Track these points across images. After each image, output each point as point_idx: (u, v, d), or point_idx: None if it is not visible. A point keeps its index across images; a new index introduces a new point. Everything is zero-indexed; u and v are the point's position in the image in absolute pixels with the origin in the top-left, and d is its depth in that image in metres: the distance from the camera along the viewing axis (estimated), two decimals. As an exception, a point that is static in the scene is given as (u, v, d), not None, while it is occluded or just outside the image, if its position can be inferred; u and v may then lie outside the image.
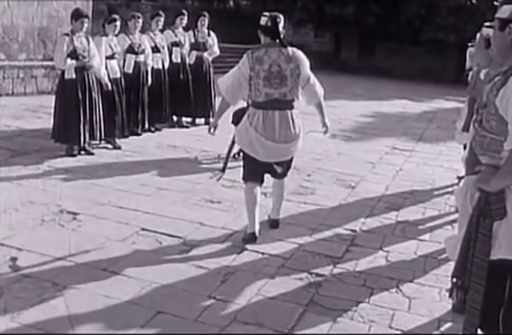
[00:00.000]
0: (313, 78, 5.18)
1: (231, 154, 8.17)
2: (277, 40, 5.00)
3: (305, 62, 5.09)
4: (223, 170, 6.20)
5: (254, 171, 5.23)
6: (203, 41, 10.41)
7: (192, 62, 10.37)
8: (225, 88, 5.07)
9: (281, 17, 5.09)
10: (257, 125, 4.94)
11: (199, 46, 10.38)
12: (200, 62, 10.42)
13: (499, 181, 2.87)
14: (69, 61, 7.37)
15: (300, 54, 5.07)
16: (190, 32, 10.33)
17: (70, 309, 3.76)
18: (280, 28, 5.03)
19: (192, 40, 10.32)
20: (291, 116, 5.06)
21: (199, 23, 10.33)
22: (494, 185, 2.89)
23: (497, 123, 2.91)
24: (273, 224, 5.61)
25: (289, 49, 5.02)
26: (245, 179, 5.29)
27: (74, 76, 7.41)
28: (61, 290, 4.01)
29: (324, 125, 5.58)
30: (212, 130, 5.41)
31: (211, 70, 10.67)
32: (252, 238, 5.17)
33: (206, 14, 10.46)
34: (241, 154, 5.76)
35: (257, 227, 5.23)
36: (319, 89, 5.28)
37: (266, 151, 4.99)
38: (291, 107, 5.07)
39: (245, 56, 4.96)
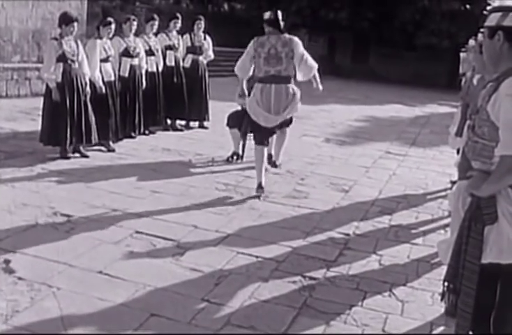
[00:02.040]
0: (306, 56, 6.50)
1: (230, 154, 8.23)
2: (277, 29, 6.42)
3: (299, 45, 6.45)
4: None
5: (261, 135, 6.71)
6: (199, 45, 10.43)
7: (188, 65, 10.38)
8: (237, 66, 6.72)
9: (279, 12, 6.52)
10: (258, 99, 6.42)
11: (195, 50, 10.40)
12: (196, 65, 10.43)
13: (489, 186, 2.89)
14: (52, 69, 7.37)
15: (295, 39, 6.46)
16: (187, 35, 10.34)
17: (63, 311, 3.76)
18: (280, 20, 6.46)
19: (189, 44, 10.33)
20: (286, 88, 6.42)
21: (195, 26, 10.34)
22: (485, 190, 2.91)
23: (489, 129, 2.93)
24: (273, 165, 7.39)
25: (286, 36, 6.45)
26: (256, 142, 6.76)
27: (60, 79, 7.40)
28: (55, 293, 4.00)
29: (317, 88, 6.97)
30: (242, 99, 7.09)
31: (207, 74, 10.68)
32: (260, 187, 6.60)
33: (203, 17, 10.48)
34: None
35: (263, 179, 6.68)
36: (313, 64, 6.61)
37: (265, 119, 6.48)
38: (286, 82, 6.44)
39: (252, 41, 6.50)
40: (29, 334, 3.47)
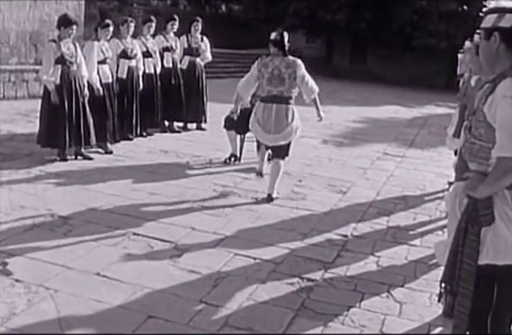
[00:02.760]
0: (308, 78, 6.56)
1: (227, 156, 8.22)
2: (282, 50, 6.49)
3: (302, 68, 6.52)
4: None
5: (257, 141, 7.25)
6: (196, 46, 10.43)
7: (185, 67, 10.39)
8: (240, 85, 6.75)
9: (286, 33, 6.57)
10: (259, 117, 6.55)
11: (192, 51, 10.40)
12: (193, 67, 10.44)
13: (486, 187, 2.89)
14: (50, 71, 7.36)
15: (298, 61, 6.52)
16: (184, 37, 10.35)
17: (61, 314, 3.76)
18: (285, 42, 6.52)
19: (186, 45, 10.33)
20: (286, 109, 6.50)
21: (192, 28, 10.35)
22: (482, 192, 2.91)
23: (486, 131, 2.93)
24: (268, 198, 6.66)
25: (290, 57, 6.52)
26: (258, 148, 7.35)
27: (58, 81, 7.39)
28: (52, 295, 4.00)
29: (319, 115, 7.11)
30: (234, 115, 7.17)
31: (204, 76, 10.68)
32: (259, 173, 7.07)
33: (200, 19, 10.49)
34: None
35: (265, 167, 7.15)
36: (314, 87, 6.67)
37: (263, 137, 6.64)
38: (287, 103, 6.51)
39: (256, 62, 6.61)
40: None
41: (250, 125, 6.73)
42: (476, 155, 2.99)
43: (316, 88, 6.70)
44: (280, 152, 6.73)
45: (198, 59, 10.49)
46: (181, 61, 10.38)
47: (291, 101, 6.54)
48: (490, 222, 2.92)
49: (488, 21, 2.98)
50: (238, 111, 7.09)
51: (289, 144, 6.72)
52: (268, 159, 7.51)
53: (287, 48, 6.53)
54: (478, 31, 3.21)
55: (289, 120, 6.50)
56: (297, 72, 6.46)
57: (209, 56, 10.70)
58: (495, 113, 2.84)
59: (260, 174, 7.08)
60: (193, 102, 10.39)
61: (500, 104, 2.82)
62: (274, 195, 6.66)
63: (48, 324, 3.63)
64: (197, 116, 10.54)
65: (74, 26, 7.45)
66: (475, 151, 3.00)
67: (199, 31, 10.41)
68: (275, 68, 6.45)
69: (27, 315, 3.71)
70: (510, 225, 2.90)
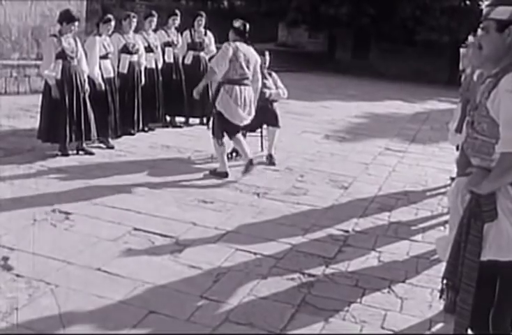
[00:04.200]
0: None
1: (229, 151, 8.22)
2: (244, 39, 7.21)
3: (257, 55, 7.38)
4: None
5: (226, 130, 7.23)
6: (199, 41, 10.40)
7: (189, 62, 10.35)
8: (217, 63, 7.08)
9: (248, 25, 7.25)
10: (238, 100, 7.02)
11: (195, 46, 10.37)
12: (197, 62, 10.41)
13: (490, 183, 2.87)
14: (51, 66, 7.35)
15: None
16: (187, 32, 10.31)
17: (62, 309, 3.76)
18: (247, 32, 7.26)
19: (189, 40, 10.30)
20: (249, 90, 7.23)
21: (195, 23, 10.32)
22: (485, 187, 2.89)
23: (488, 126, 2.91)
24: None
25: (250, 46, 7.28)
26: (214, 135, 7.27)
27: (59, 76, 7.38)
28: (53, 290, 4.00)
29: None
30: (195, 93, 7.62)
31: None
32: (222, 174, 7.25)
33: (203, 14, 10.45)
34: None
35: (227, 167, 7.34)
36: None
37: (242, 118, 7.14)
38: (249, 85, 7.24)
39: (227, 45, 7.07)
40: (28, 333, 3.47)
41: (219, 107, 7.07)
42: (479, 150, 2.97)
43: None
44: (251, 126, 7.68)
45: (202, 53, 10.45)
46: (184, 57, 10.36)
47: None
48: (493, 218, 2.91)
49: (503, 13, 2.87)
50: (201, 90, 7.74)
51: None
52: (228, 158, 7.87)
53: (247, 37, 7.28)
54: (481, 24, 3.13)
55: (252, 100, 7.29)
56: (257, 59, 7.30)
57: (214, 50, 10.63)
58: (498, 108, 2.82)
59: (226, 175, 7.26)
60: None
61: (503, 99, 2.80)
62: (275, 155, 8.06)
63: (49, 320, 3.63)
64: (200, 111, 10.50)
65: (76, 23, 7.44)
66: (477, 146, 2.98)
67: (203, 25, 10.39)
68: (245, 53, 7.12)
69: (28, 310, 3.71)
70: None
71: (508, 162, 2.79)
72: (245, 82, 7.13)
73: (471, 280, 2.99)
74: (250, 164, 7.20)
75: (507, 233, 2.89)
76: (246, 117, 7.20)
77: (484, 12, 2.99)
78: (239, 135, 7.35)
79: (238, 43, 7.13)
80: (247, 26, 7.25)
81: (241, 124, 7.25)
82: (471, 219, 2.98)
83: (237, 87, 7.03)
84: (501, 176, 2.84)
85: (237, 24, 7.25)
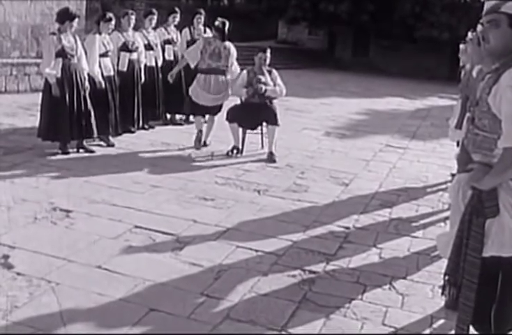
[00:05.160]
0: (235, 59, 8.54)
1: (230, 148, 8.22)
2: (221, 36, 8.30)
3: (234, 51, 8.46)
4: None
5: (195, 110, 8.63)
6: (199, 38, 10.36)
7: None
8: (189, 54, 8.66)
9: (227, 23, 8.36)
10: (201, 85, 8.31)
11: (194, 43, 10.33)
12: None
13: (492, 179, 2.87)
14: (52, 64, 7.34)
15: (232, 46, 8.45)
16: (186, 29, 10.28)
17: (62, 307, 3.75)
18: (225, 29, 8.32)
19: (189, 38, 10.26)
20: (222, 79, 8.38)
21: (195, 20, 10.28)
22: (488, 183, 2.88)
23: (490, 121, 2.90)
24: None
25: (226, 42, 8.37)
26: (190, 113, 9.38)
27: (59, 75, 7.37)
28: (53, 288, 4.00)
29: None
30: (170, 78, 9.00)
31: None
32: (235, 150, 8.38)
33: (203, 11, 10.43)
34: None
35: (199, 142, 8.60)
36: (238, 69, 8.65)
37: (205, 98, 8.33)
38: (223, 74, 8.39)
39: (202, 39, 8.55)
40: (29, 332, 3.46)
41: (190, 92, 8.47)
42: (480, 146, 2.96)
43: (238, 69, 8.67)
44: (216, 110, 8.59)
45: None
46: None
47: (226, 73, 8.42)
48: (495, 214, 2.90)
49: None
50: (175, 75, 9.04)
51: (221, 105, 8.63)
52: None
53: (225, 35, 8.35)
54: (481, 20, 3.09)
55: (225, 86, 8.39)
56: (231, 53, 8.36)
57: None
58: (500, 103, 2.81)
59: (201, 143, 8.62)
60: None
61: (505, 94, 2.78)
62: (208, 142, 8.79)
63: (50, 318, 3.63)
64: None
65: (76, 20, 7.42)
66: (478, 142, 2.97)
67: (202, 23, 10.36)
68: (215, 47, 8.28)
69: (29, 309, 3.71)
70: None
71: (510, 157, 2.78)
72: (213, 71, 8.31)
73: (474, 277, 2.98)
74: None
75: (509, 228, 2.89)
76: (208, 97, 8.29)
77: (489, 5, 2.91)
78: (208, 118, 8.78)
79: (212, 39, 8.41)
80: (227, 24, 8.32)
81: (206, 103, 8.35)
82: (472, 215, 2.97)
83: (203, 75, 8.33)
84: (504, 172, 2.83)
85: (217, 22, 8.36)
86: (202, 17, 10.33)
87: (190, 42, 10.25)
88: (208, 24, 10.60)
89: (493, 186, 2.89)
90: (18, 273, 4.17)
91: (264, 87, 8.04)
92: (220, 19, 8.41)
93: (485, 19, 2.94)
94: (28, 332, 3.44)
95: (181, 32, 10.29)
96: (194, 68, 8.67)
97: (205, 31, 10.43)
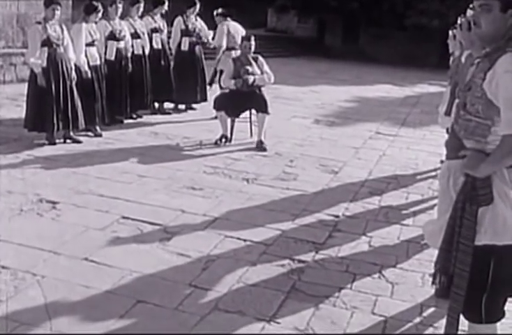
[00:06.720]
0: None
1: (218, 137, 8.16)
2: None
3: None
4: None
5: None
6: (194, 27, 10.28)
7: (186, 48, 10.21)
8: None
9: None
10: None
11: (189, 32, 10.23)
12: (193, 48, 10.29)
13: (489, 166, 2.82)
14: (37, 54, 7.24)
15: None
16: (179, 18, 10.17)
17: (48, 300, 3.71)
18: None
19: (183, 27, 10.15)
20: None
21: (191, 10, 10.18)
22: (484, 170, 2.83)
23: (483, 107, 2.84)
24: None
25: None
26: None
27: (45, 64, 7.28)
28: (39, 281, 3.95)
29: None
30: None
31: (203, 56, 10.54)
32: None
33: (198, 2, 10.32)
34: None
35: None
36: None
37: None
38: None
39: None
40: (14, 326, 3.42)
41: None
42: (473, 132, 2.91)
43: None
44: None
45: (194, 39, 10.31)
46: (180, 43, 10.22)
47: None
48: (489, 202, 2.86)
49: None
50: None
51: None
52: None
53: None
54: (472, 5, 3.04)
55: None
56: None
57: (210, 32, 10.49)
58: (497, 89, 2.75)
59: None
60: (191, 83, 10.27)
61: (502, 80, 2.73)
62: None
63: (35, 311, 3.58)
64: (196, 96, 10.42)
65: (58, 6, 7.29)
66: (471, 128, 2.92)
67: (196, 13, 10.30)
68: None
69: (14, 302, 3.66)
70: (509, 205, 2.85)
71: (510, 144, 2.73)
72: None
73: (466, 265, 2.95)
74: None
75: (503, 217, 2.85)
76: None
77: None
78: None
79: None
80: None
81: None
82: (465, 203, 2.92)
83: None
84: (502, 159, 2.79)
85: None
86: (197, 8, 10.26)
87: (185, 31, 10.17)
88: (199, 13, 10.54)
89: (488, 174, 2.85)
90: (3, 267, 4.12)
91: (252, 78, 7.98)
92: (220, 9, 8.70)
93: (476, 3, 2.91)
94: (13, 326, 3.40)
95: (169, 21, 10.18)
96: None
97: (196, 19, 10.34)
